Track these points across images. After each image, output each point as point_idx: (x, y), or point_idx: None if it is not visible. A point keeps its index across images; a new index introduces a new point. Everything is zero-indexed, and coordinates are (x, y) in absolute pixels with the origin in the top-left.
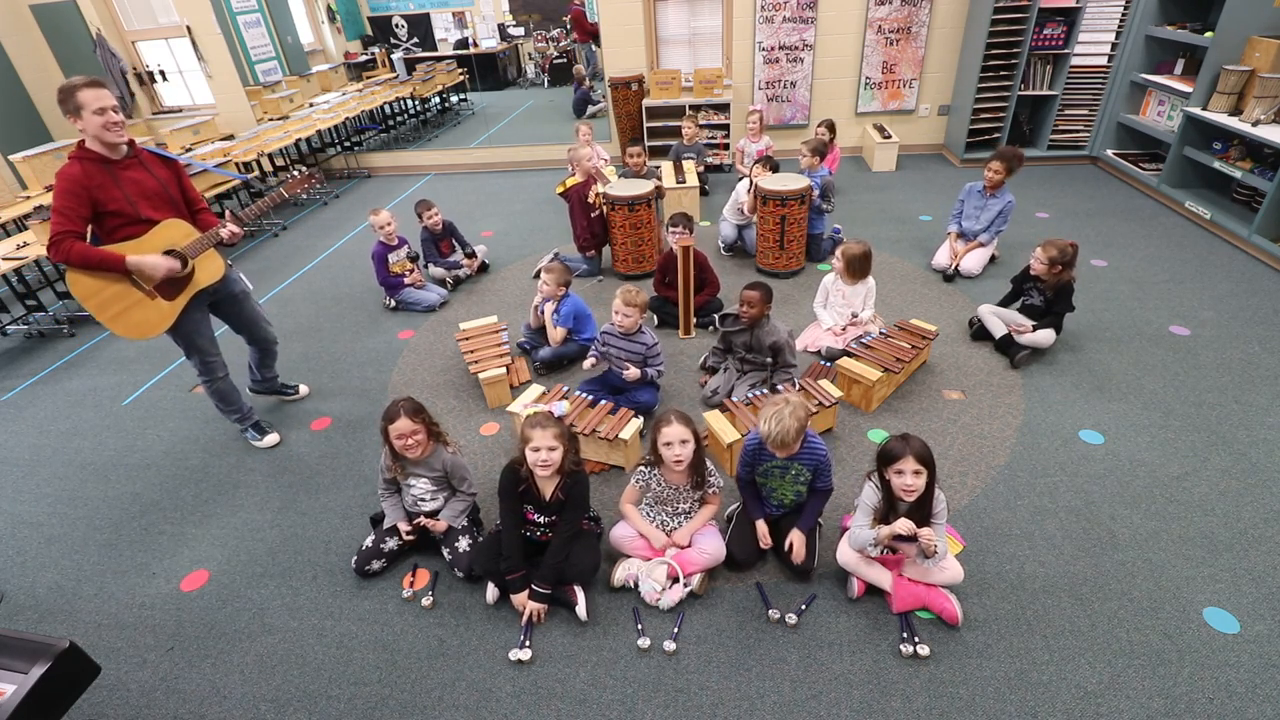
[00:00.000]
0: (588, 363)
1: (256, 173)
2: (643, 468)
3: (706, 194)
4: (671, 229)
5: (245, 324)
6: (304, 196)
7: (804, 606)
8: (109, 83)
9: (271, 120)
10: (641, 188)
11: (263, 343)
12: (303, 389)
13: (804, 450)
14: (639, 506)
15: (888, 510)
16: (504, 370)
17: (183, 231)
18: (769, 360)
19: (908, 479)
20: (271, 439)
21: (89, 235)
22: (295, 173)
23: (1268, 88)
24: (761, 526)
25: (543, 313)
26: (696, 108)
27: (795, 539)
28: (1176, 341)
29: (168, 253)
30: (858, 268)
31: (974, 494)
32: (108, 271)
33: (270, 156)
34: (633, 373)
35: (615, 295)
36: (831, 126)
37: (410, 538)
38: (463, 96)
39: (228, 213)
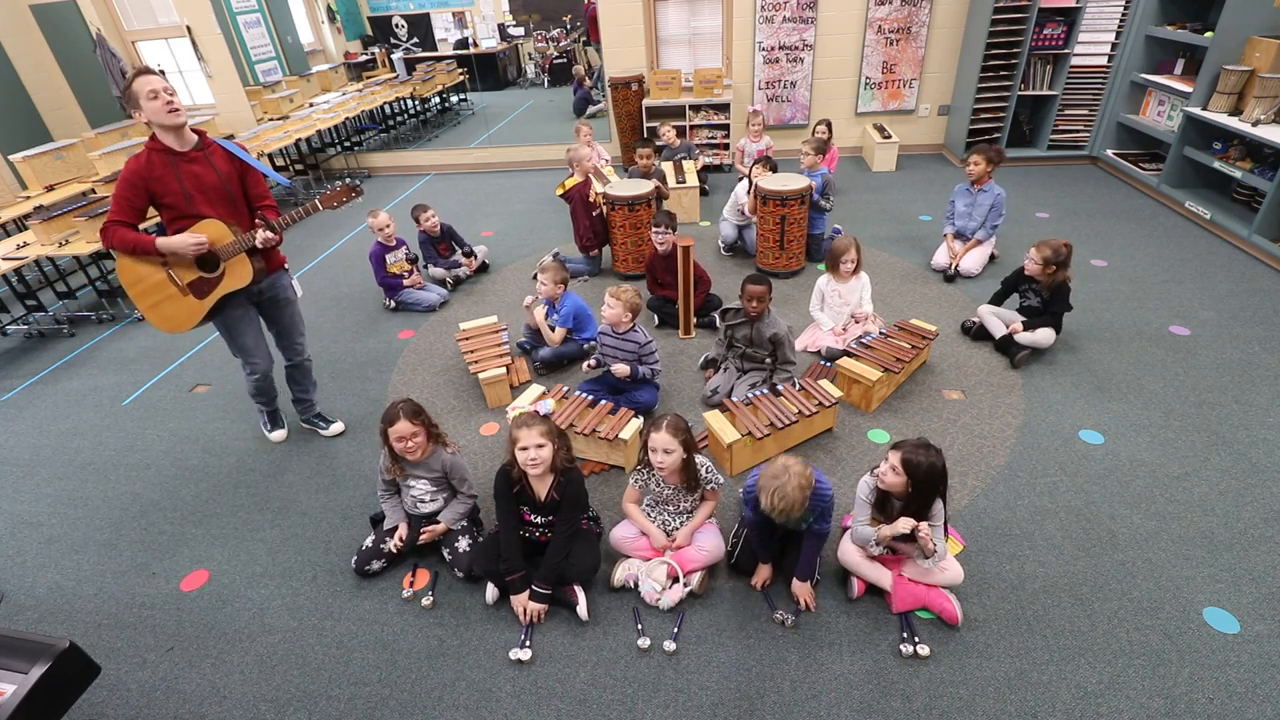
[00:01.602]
0: (586, 364)
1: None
2: (640, 469)
3: (706, 194)
4: (655, 229)
5: (282, 329)
6: (339, 209)
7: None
8: (150, 71)
9: (271, 120)
10: (642, 188)
11: (288, 351)
12: (335, 427)
13: (811, 501)
14: (640, 506)
15: (882, 501)
16: (504, 370)
17: (220, 232)
18: (769, 357)
19: (883, 467)
20: (279, 435)
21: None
22: (335, 184)
23: (1268, 88)
24: (762, 572)
25: (543, 314)
26: (696, 108)
27: (805, 594)
28: (1176, 341)
29: (199, 260)
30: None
31: (974, 494)
32: (144, 255)
33: (270, 156)
34: (620, 368)
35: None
36: (829, 125)
37: (398, 550)
38: (463, 96)
39: (259, 219)
